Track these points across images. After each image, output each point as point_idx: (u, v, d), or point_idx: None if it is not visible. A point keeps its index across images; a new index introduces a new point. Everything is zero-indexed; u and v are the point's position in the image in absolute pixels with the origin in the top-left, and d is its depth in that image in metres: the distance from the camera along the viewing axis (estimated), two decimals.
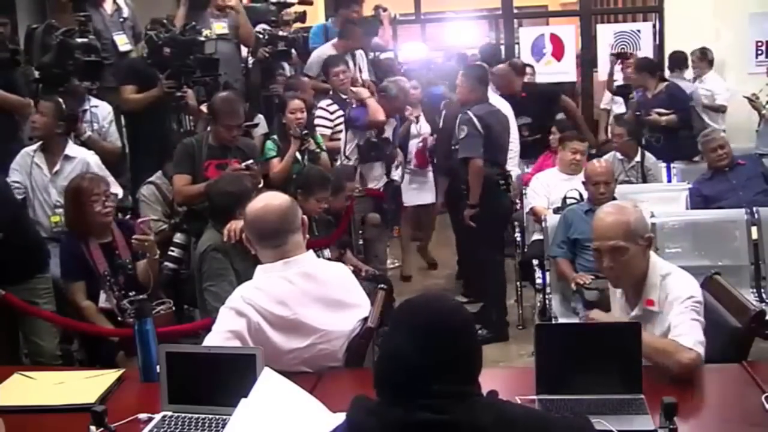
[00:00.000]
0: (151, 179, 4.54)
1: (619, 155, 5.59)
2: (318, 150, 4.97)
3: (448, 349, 1.58)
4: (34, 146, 4.23)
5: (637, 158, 5.56)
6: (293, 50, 5.92)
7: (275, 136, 4.95)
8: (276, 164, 4.78)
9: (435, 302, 1.68)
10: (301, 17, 6.19)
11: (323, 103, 5.52)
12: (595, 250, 2.65)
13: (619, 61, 6.99)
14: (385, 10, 6.84)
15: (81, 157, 4.20)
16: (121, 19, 5.26)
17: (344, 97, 5.50)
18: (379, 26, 6.82)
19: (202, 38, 4.87)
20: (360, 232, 5.32)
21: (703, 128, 5.94)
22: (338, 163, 5.28)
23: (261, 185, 4.00)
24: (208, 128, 4.29)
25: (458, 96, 5.22)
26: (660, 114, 5.97)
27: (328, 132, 5.39)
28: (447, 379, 1.56)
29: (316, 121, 5.41)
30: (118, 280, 3.64)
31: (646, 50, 7.62)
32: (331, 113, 5.44)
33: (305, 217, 2.60)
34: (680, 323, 2.43)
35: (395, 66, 6.61)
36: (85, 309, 3.60)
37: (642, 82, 6.20)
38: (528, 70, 7.17)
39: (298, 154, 4.78)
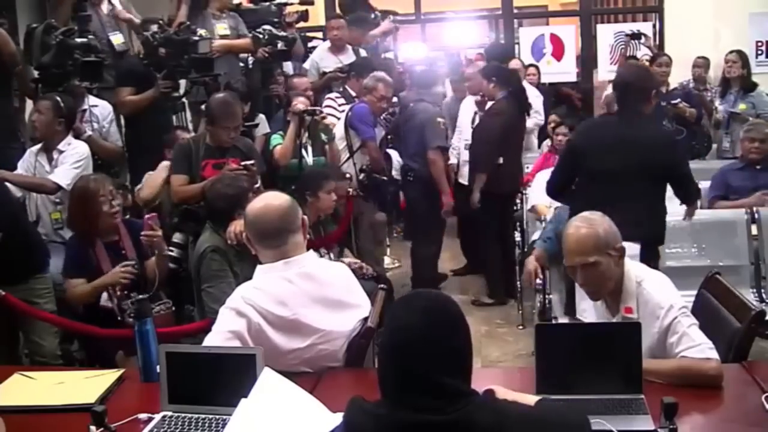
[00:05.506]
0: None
1: None
2: (328, 138, 5.03)
3: (448, 331, 1.60)
4: (39, 145, 4.24)
5: None
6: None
7: (282, 132, 4.97)
8: (279, 150, 4.83)
9: (431, 293, 1.78)
10: (304, 16, 6.19)
11: (332, 95, 5.66)
12: (569, 266, 2.60)
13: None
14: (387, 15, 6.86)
15: (72, 148, 4.18)
16: None
17: (353, 94, 5.59)
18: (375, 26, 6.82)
19: (196, 38, 4.86)
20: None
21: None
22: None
23: (258, 185, 3.99)
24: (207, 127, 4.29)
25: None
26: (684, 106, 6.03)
27: (336, 121, 5.44)
28: (447, 367, 1.57)
29: (324, 111, 5.46)
30: None
31: (645, 50, 7.60)
32: (339, 105, 5.56)
33: (305, 217, 2.60)
34: (681, 337, 2.38)
35: (394, 67, 6.60)
36: (72, 290, 3.54)
37: (668, 76, 6.29)
38: (531, 70, 7.17)
39: (305, 153, 4.81)
